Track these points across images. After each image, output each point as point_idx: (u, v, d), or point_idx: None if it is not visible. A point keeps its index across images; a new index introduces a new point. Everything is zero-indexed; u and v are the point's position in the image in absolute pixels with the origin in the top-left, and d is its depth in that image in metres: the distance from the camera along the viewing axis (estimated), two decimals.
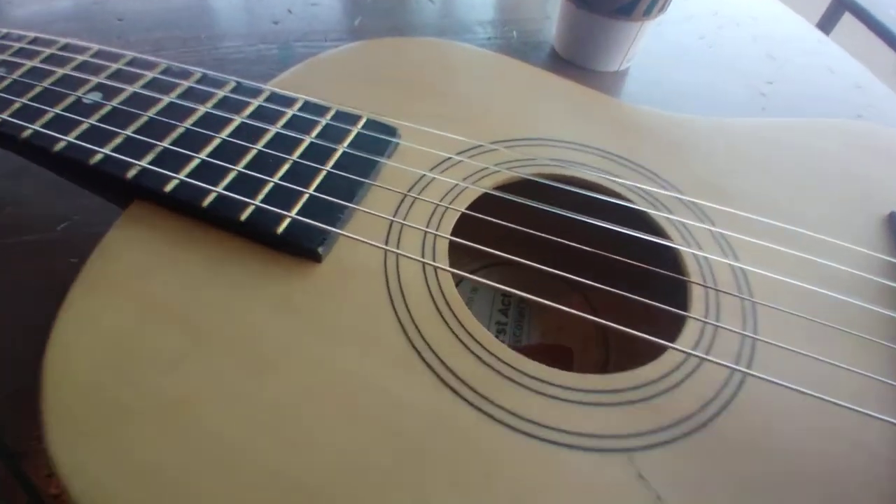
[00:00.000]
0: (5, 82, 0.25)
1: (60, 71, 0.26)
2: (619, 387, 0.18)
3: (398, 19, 0.49)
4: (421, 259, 0.21)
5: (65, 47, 0.27)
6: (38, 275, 0.28)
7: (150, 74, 0.26)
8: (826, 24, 0.96)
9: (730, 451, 0.17)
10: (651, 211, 0.24)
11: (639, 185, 0.25)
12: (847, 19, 0.94)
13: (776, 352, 0.19)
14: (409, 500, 0.15)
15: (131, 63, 0.27)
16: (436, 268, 0.21)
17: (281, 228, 0.20)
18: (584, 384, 0.18)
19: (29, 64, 0.26)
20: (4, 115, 0.24)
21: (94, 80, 0.26)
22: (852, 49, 0.50)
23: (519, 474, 0.16)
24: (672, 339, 0.20)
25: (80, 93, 0.25)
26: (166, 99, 0.25)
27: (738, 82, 0.44)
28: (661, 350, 0.19)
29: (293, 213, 0.21)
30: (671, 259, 0.23)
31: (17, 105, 0.24)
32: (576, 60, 0.44)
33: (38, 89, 0.25)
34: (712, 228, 0.23)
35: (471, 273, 0.31)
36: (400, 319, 0.19)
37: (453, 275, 0.21)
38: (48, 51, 0.27)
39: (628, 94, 0.42)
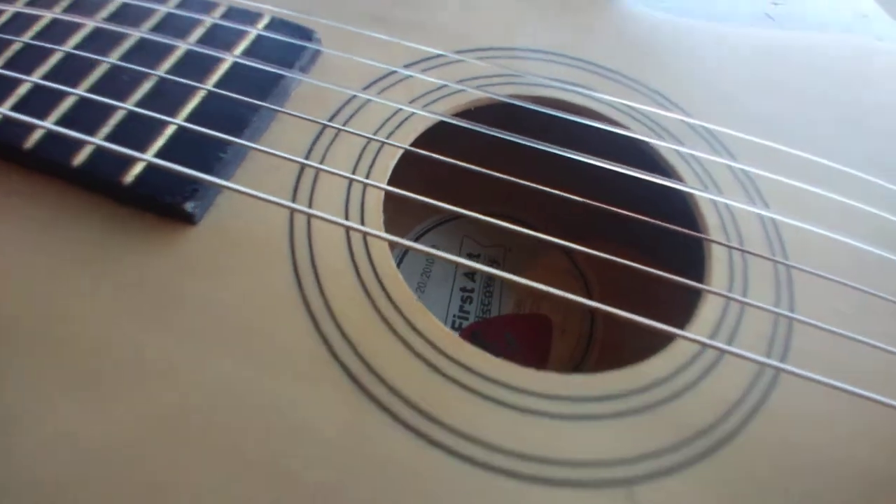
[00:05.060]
0: None
1: None
2: (614, 391, 0.13)
3: None
4: (344, 221, 0.15)
5: None
6: None
7: None
8: None
9: (762, 474, 0.12)
10: (655, 141, 0.18)
11: (636, 106, 0.19)
12: None
13: (819, 336, 0.14)
14: None
15: None
16: (365, 234, 0.15)
17: (130, 177, 0.14)
18: (567, 389, 0.13)
19: None
20: None
21: None
22: None
23: None
24: (685, 316, 0.15)
25: None
26: (10, 10, 0.18)
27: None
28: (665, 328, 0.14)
29: (149, 154, 0.14)
30: (682, 205, 0.17)
31: None
32: None
33: None
34: (733, 164, 0.18)
35: (425, 231, 0.25)
36: (309, 307, 0.13)
37: (391, 242, 0.15)
38: None
39: None
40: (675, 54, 0.22)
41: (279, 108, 0.16)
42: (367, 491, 0.11)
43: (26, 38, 0.17)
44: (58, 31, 0.17)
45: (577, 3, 0.23)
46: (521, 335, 0.23)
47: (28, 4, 0.18)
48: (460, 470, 0.12)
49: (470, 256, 0.25)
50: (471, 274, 0.24)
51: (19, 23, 0.17)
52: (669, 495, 0.12)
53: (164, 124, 0.15)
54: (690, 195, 0.17)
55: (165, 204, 0.14)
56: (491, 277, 0.24)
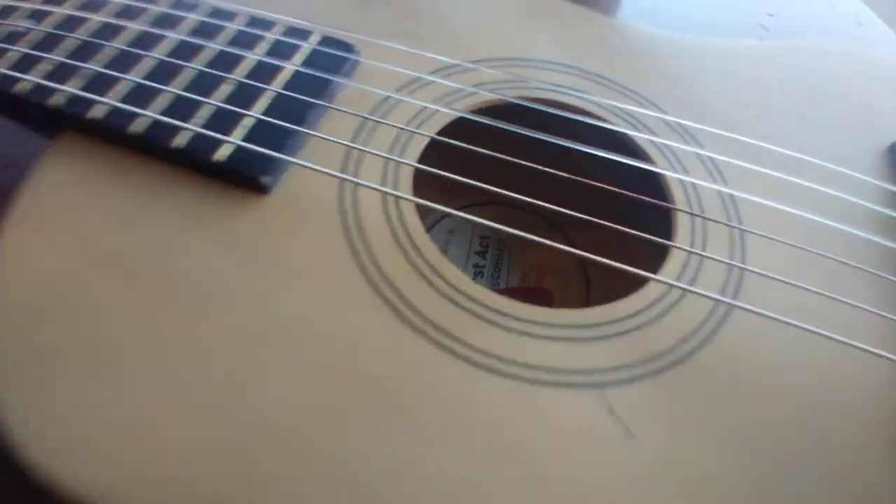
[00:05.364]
0: None
1: None
2: (594, 321, 0.17)
3: None
4: (381, 188, 0.19)
5: None
6: None
7: None
8: None
9: (708, 386, 0.16)
10: (632, 133, 0.22)
11: (621, 106, 0.23)
12: None
13: (764, 283, 0.18)
14: (366, 443, 0.14)
15: None
16: (397, 197, 0.19)
17: (220, 156, 0.18)
18: (557, 319, 0.17)
19: None
20: None
21: (28, 5, 0.22)
22: None
23: (482, 411, 0.15)
24: (655, 271, 0.18)
25: (11, 21, 0.22)
26: (97, 19, 0.22)
27: (738, 10, 0.41)
28: (643, 285, 0.18)
29: (235, 138, 0.19)
30: (656, 186, 0.21)
31: None
32: None
33: None
34: (700, 151, 0.21)
35: (441, 217, 0.29)
36: (356, 254, 0.17)
37: (419, 207, 0.19)
38: None
39: None
40: (661, 64, 0.26)
41: (330, 105, 0.20)
42: (408, 392, 0.15)
43: (120, 44, 0.21)
44: (147, 41, 0.21)
45: (577, 20, 0.27)
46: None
47: (116, 16, 0.22)
48: (477, 375, 0.15)
49: (482, 238, 0.29)
50: (482, 252, 0.28)
51: (108, 32, 0.21)
52: (633, 397, 0.15)
53: (243, 116, 0.19)
54: (662, 176, 0.20)
55: (248, 178, 0.18)
56: (500, 256, 0.28)
